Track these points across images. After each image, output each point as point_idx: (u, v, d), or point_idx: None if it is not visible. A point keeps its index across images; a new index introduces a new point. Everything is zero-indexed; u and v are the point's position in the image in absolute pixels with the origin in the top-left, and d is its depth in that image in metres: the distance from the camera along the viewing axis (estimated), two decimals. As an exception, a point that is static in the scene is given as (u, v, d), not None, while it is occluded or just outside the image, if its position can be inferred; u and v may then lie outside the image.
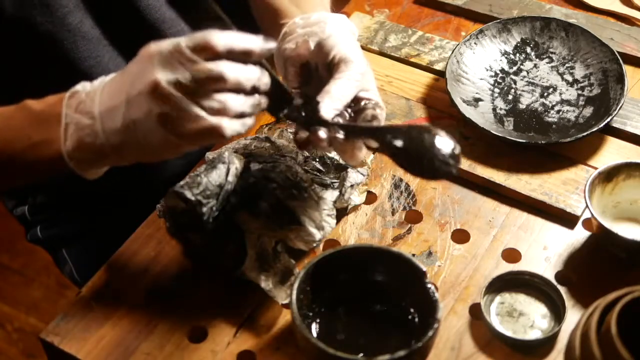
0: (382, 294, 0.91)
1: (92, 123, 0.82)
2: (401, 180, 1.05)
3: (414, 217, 1.01)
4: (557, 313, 0.90)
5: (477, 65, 1.16)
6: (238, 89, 0.80)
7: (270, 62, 0.86)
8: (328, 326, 0.89)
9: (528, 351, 0.89)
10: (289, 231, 0.94)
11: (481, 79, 1.15)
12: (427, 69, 1.19)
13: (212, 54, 0.78)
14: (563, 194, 1.01)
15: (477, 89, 1.14)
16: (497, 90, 1.14)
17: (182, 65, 0.78)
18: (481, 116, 1.09)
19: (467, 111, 1.08)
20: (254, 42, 0.80)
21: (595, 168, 1.00)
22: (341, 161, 1.01)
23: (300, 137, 0.88)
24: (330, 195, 0.97)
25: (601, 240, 0.97)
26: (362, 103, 0.91)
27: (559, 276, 0.95)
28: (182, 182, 0.94)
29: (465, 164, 1.05)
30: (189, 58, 0.78)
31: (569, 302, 0.92)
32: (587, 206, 0.93)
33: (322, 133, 0.86)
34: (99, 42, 1.06)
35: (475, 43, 1.16)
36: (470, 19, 1.28)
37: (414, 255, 0.97)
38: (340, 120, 0.89)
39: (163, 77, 0.78)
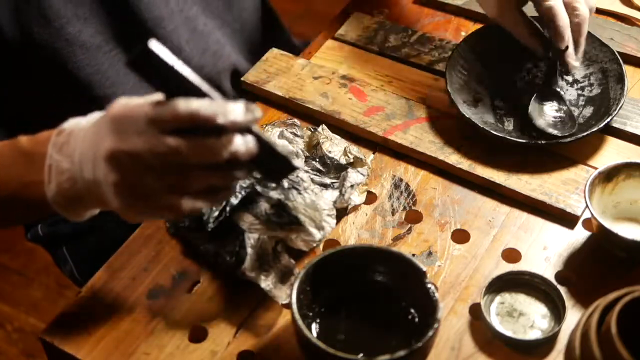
0: (382, 294, 0.91)
1: (71, 167, 0.78)
2: (401, 180, 1.05)
3: (414, 217, 1.01)
4: (557, 313, 0.90)
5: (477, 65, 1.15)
6: (203, 164, 0.74)
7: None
8: (328, 326, 0.89)
9: (528, 351, 0.88)
10: (289, 231, 0.94)
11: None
12: (427, 69, 1.19)
13: (177, 124, 0.72)
14: (563, 194, 1.01)
15: (477, 89, 1.13)
16: (497, 90, 1.14)
17: (140, 137, 0.72)
18: (481, 116, 1.09)
19: (467, 111, 1.08)
20: (234, 112, 0.72)
21: (595, 168, 1.00)
22: (341, 161, 1.01)
23: None
24: (330, 195, 0.97)
25: (601, 240, 0.97)
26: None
27: (559, 276, 0.95)
28: (182, 182, 0.93)
29: (465, 164, 1.05)
30: (147, 130, 0.72)
31: (569, 302, 0.92)
32: (587, 206, 0.93)
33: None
34: (99, 50, 1.05)
35: (475, 43, 1.16)
36: (470, 19, 1.28)
37: (414, 255, 0.97)
38: None
39: (117, 145, 0.73)
